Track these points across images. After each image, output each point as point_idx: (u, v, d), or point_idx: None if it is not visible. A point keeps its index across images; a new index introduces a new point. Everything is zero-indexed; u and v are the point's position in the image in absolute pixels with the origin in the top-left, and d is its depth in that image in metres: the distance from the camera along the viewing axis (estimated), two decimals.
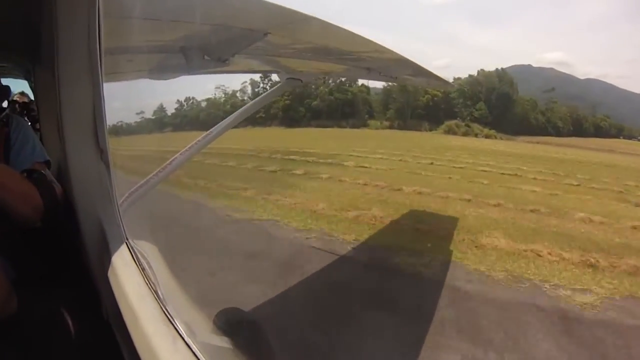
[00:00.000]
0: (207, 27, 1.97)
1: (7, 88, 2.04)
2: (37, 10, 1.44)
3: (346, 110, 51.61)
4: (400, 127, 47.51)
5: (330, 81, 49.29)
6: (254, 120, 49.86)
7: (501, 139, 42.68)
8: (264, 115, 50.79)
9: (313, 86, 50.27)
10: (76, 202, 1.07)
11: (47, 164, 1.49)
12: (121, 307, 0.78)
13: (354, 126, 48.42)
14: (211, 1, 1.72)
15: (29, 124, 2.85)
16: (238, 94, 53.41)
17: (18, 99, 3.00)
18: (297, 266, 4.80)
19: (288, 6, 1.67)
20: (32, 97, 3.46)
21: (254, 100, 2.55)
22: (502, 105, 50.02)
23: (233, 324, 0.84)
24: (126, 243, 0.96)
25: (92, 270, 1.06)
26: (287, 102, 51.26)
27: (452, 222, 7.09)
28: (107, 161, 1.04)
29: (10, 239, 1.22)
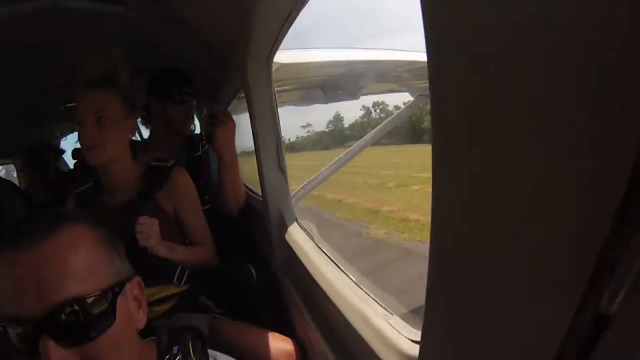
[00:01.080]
0: (343, 70, 2.52)
1: None
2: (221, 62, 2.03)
3: None
4: None
5: None
6: None
7: None
8: None
9: None
10: (267, 203, 1.64)
11: None
12: (300, 257, 1.29)
13: None
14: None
15: None
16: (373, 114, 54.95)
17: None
18: None
19: None
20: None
21: (389, 119, 2.66)
22: None
23: None
24: (296, 222, 1.52)
25: (272, 240, 1.63)
26: None
27: None
28: (285, 176, 1.61)
29: (215, 223, 1.74)
